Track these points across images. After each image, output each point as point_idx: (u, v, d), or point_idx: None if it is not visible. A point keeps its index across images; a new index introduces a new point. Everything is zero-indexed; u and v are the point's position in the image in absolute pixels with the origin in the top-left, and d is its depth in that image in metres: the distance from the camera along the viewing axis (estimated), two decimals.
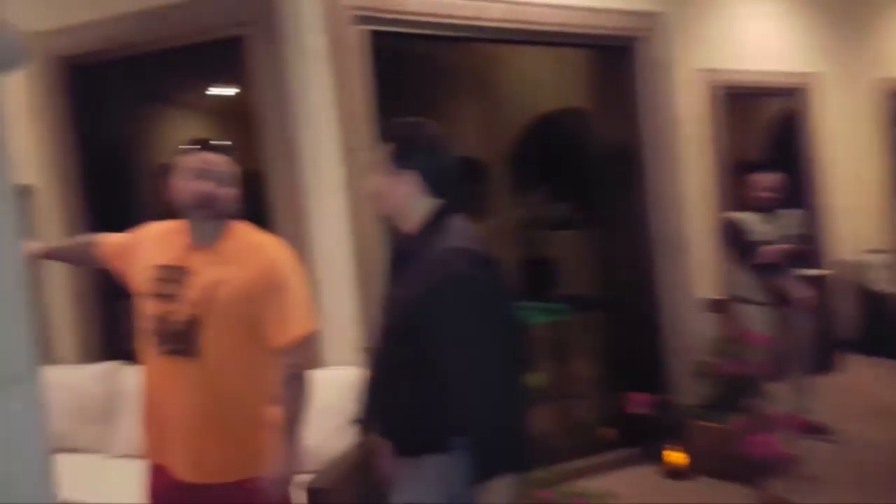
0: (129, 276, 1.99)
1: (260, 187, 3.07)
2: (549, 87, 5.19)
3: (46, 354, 3.52)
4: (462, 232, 1.56)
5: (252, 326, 1.84)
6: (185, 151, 1.88)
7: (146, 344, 1.89)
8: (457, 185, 1.65)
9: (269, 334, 1.85)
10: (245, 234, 1.92)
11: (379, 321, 1.69)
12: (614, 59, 3.94)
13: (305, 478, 2.26)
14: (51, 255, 2.30)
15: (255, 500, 1.82)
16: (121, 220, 2.34)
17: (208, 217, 1.86)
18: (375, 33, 3.07)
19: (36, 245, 2.23)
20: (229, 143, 1.93)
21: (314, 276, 2.85)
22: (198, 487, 1.84)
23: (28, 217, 3.68)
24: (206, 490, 1.84)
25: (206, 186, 1.83)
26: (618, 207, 4.04)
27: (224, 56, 3.43)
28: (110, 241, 2.12)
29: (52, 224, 3.39)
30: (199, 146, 1.88)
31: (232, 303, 1.81)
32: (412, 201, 1.60)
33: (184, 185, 1.84)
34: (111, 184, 3.57)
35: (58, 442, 2.92)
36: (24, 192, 3.48)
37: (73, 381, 3.14)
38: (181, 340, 1.82)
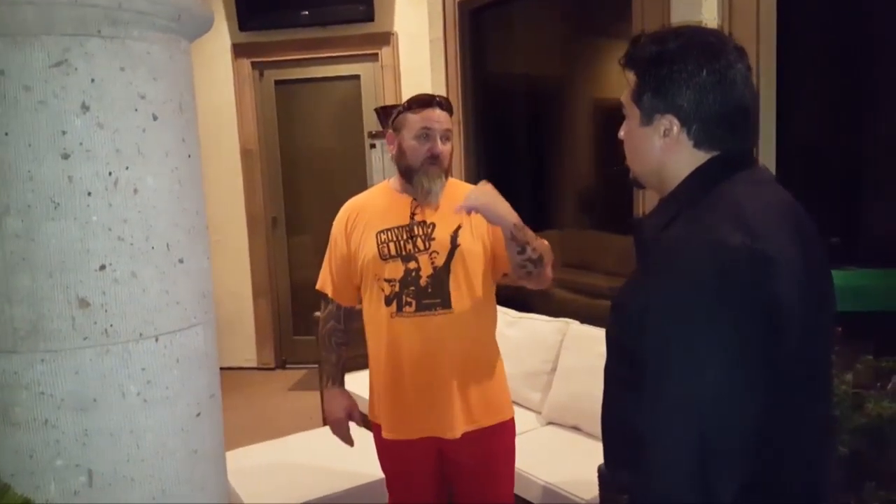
0: (357, 252, 1.99)
1: None
2: None
3: None
4: (735, 206, 0.98)
5: (487, 264, 1.95)
6: (409, 109, 1.93)
7: (384, 311, 1.92)
8: (742, 125, 1.06)
9: (499, 265, 1.96)
10: (457, 184, 2.03)
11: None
12: None
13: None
14: None
15: (511, 439, 2.00)
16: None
17: (435, 174, 1.91)
18: None
19: None
20: (447, 98, 1.98)
21: None
22: (465, 439, 1.90)
23: None
24: (472, 436, 1.91)
25: (433, 146, 1.89)
26: None
27: None
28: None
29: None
30: (422, 104, 1.92)
31: (473, 245, 1.91)
32: (669, 157, 1.07)
33: (411, 144, 1.91)
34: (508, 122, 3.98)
35: None
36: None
37: None
38: (433, 294, 1.88)
